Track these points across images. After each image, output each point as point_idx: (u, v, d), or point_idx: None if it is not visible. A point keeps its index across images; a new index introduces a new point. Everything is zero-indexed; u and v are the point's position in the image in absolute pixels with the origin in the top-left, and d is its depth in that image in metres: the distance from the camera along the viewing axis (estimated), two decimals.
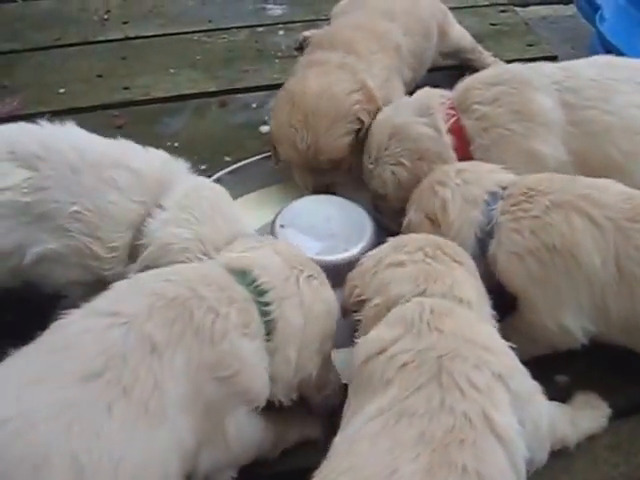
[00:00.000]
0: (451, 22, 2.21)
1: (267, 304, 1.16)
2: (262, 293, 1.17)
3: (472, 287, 1.22)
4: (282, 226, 1.64)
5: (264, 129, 2.05)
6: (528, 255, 1.31)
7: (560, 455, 1.22)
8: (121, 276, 1.31)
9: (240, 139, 2.03)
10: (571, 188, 1.35)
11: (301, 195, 1.75)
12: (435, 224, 1.42)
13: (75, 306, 1.12)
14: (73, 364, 0.99)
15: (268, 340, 1.16)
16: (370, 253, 1.32)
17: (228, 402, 1.10)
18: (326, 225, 1.65)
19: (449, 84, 1.74)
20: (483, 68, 2.10)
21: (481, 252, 1.38)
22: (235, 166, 1.83)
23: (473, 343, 1.06)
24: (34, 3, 2.86)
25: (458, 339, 1.06)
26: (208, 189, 1.46)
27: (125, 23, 2.66)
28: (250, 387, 1.12)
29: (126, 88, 2.28)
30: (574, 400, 1.31)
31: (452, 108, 1.63)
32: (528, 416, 1.06)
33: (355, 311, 1.24)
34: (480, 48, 2.30)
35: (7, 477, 0.88)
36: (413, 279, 1.19)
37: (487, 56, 2.30)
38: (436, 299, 1.15)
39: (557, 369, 1.38)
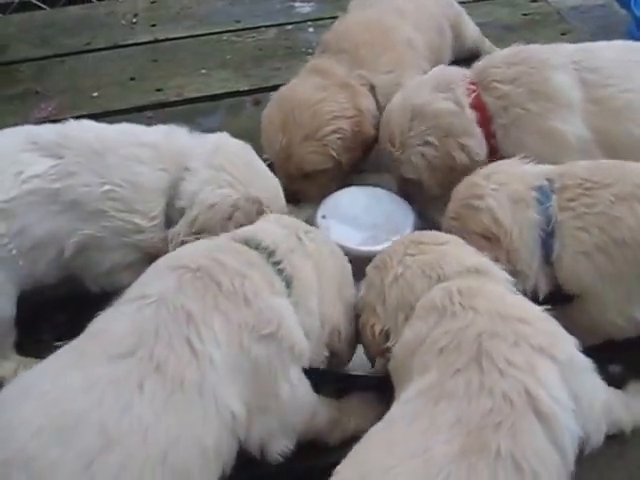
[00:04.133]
0: (466, 22, 2.20)
1: (278, 263, 1.19)
2: (271, 254, 1.20)
3: (472, 254, 1.21)
4: (324, 217, 1.65)
5: None
6: (597, 252, 1.27)
7: (615, 442, 1.20)
8: (162, 250, 1.36)
9: None
10: (630, 177, 1.31)
11: (344, 186, 1.75)
12: (493, 241, 1.31)
13: None
14: (106, 346, 1.03)
15: (290, 297, 1.18)
16: (362, 292, 1.28)
17: (277, 362, 1.11)
18: (368, 216, 1.65)
19: None
20: (480, 54, 2.11)
21: (545, 255, 1.31)
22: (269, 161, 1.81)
23: (509, 318, 1.05)
24: (63, 10, 2.89)
25: (494, 316, 1.05)
26: (233, 145, 1.51)
27: (154, 26, 2.67)
28: (294, 341, 1.14)
29: (159, 90, 2.29)
30: (628, 388, 1.29)
31: (472, 84, 1.60)
32: (582, 387, 1.03)
33: (385, 348, 1.20)
34: (484, 39, 2.30)
35: (40, 435, 0.92)
36: (420, 276, 1.18)
37: (483, 41, 2.29)
38: (456, 280, 1.14)
39: (610, 359, 1.35)
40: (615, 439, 1.20)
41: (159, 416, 0.97)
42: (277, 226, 1.28)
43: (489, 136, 1.57)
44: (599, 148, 1.52)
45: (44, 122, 2.04)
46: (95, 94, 2.28)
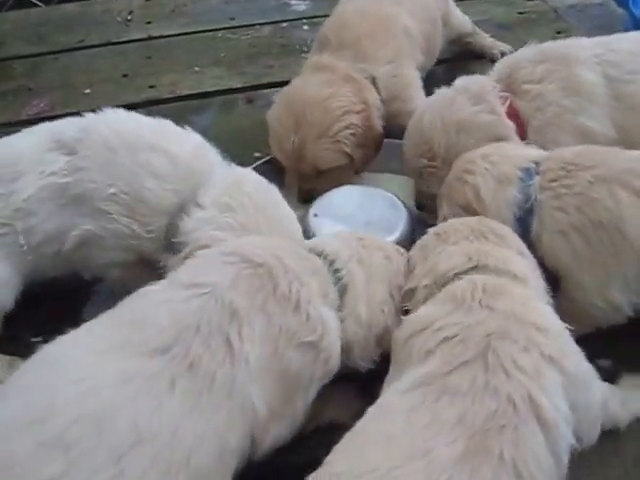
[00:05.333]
0: (452, 10, 2.19)
1: (338, 270, 1.21)
2: (332, 262, 1.22)
3: (525, 265, 1.20)
4: (316, 215, 1.64)
5: None
6: (573, 232, 1.28)
7: (610, 438, 1.19)
8: (156, 254, 1.36)
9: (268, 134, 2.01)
10: (614, 162, 1.31)
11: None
12: (471, 214, 1.37)
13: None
14: (145, 338, 1.02)
15: (340, 310, 1.18)
16: (412, 250, 1.31)
17: (307, 372, 1.10)
18: (360, 214, 1.64)
19: (448, 77, 1.73)
20: (480, 50, 2.23)
21: (523, 232, 1.33)
22: (263, 160, 1.83)
23: (525, 323, 1.04)
24: (57, 7, 2.89)
25: (509, 318, 1.04)
26: (251, 184, 1.40)
27: (148, 23, 2.66)
28: (332, 354, 1.14)
29: (152, 87, 2.28)
30: (621, 382, 1.29)
31: (502, 91, 1.59)
32: (582, 401, 1.03)
33: (406, 308, 1.21)
34: (477, 29, 2.29)
35: (78, 424, 0.92)
36: (464, 254, 1.18)
37: (484, 37, 2.29)
38: (489, 276, 1.13)
39: (600, 353, 1.31)
40: (610, 436, 1.19)
41: (187, 417, 0.97)
42: (334, 238, 1.30)
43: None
44: (620, 146, 1.48)
45: (35, 119, 2.06)
46: (87, 91, 2.27)
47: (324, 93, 1.69)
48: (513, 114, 1.56)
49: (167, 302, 1.07)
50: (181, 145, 1.42)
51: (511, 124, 1.55)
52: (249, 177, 1.43)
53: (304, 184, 1.74)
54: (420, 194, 1.68)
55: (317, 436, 1.22)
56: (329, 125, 1.67)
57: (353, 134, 1.69)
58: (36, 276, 1.44)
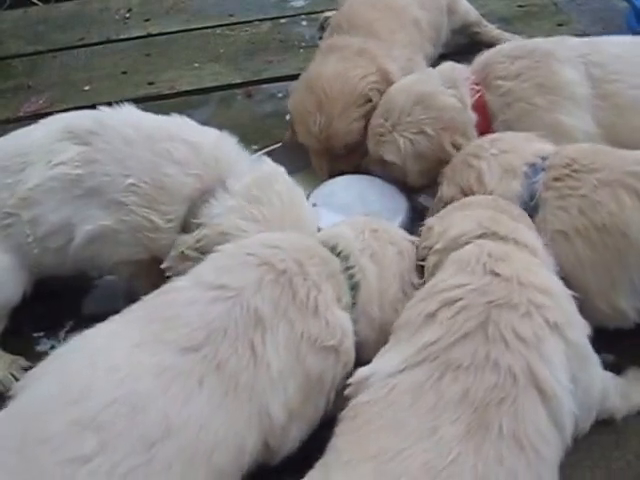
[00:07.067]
0: None
1: (351, 268, 1.20)
2: (345, 258, 1.22)
3: (535, 238, 1.20)
4: (315, 205, 1.62)
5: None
6: (576, 235, 1.26)
7: (611, 431, 1.19)
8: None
9: (267, 128, 2.01)
10: (619, 164, 1.29)
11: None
12: None
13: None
14: (175, 335, 1.04)
15: (353, 312, 1.19)
16: (431, 218, 1.31)
17: (329, 375, 1.11)
18: (360, 204, 1.63)
19: None
20: (489, 41, 2.18)
21: None
22: (263, 151, 1.81)
23: (528, 286, 1.04)
24: (56, 5, 2.89)
25: (512, 283, 1.04)
26: (282, 182, 1.40)
27: (147, 20, 2.67)
28: (350, 357, 1.15)
29: (151, 83, 2.28)
30: (625, 375, 1.27)
31: (476, 84, 1.59)
32: (583, 378, 1.02)
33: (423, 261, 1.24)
34: (485, 21, 2.28)
35: (112, 407, 0.95)
36: (475, 221, 1.19)
37: (492, 29, 2.28)
38: (497, 243, 1.14)
39: (603, 348, 1.30)
40: (612, 429, 1.19)
41: (213, 415, 0.99)
42: (348, 228, 1.28)
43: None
44: (607, 144, 1.47)
45: (33, 116, 2.05)
46: (87, 88, 2.27)
47: (339, 67, 1.70)
48: (480, 107, 1.57)
49: (195, 302, 1.09)
50: (202, 135, 1.42)
51: (473, 116, 1.55)
52: (280, 175, 1.42)
53: (335, 165, 1.72)
54: (373, 158, 1.68)
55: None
56: (350, 93, 1.67)
57: (377, 88, 1.68)
58: (42, 273, 1.43)
